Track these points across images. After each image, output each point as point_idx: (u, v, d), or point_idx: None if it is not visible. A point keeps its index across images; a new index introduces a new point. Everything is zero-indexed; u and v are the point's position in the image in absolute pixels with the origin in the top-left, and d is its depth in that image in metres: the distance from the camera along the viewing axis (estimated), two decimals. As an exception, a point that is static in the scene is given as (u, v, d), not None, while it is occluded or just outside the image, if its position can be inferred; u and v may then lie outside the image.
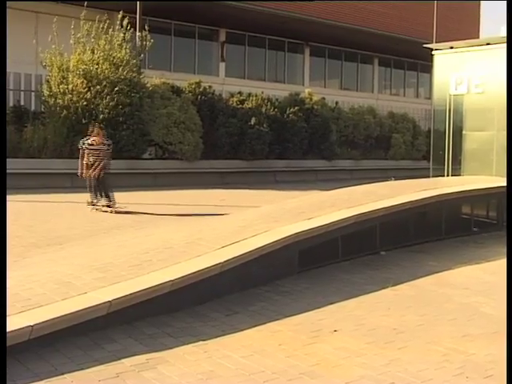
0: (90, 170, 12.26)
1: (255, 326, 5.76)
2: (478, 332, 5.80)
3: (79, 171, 12.50)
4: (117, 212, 12.13)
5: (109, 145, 12.53)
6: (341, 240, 8.60)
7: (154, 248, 7.39)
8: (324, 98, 27.38)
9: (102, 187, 12.37)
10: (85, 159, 12.39)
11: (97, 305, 5.32)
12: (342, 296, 6.86)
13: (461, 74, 15.13)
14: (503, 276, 8.21)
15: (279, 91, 28.29)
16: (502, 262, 9.00)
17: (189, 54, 30.37)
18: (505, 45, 14.32)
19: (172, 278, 6.03)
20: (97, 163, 12.24)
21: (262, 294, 6.85)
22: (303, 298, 6.81)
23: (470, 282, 7.82)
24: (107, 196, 12.37)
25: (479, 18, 38.83)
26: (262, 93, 25.10)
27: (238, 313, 6.17)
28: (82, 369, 4.58)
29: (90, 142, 12.32)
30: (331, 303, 6.57)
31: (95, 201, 12.50)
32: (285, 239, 7.50)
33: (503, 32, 17.78)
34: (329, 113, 26.93)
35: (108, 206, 12.26)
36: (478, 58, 14.97)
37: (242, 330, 5.63)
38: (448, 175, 15.12)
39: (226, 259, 6.68)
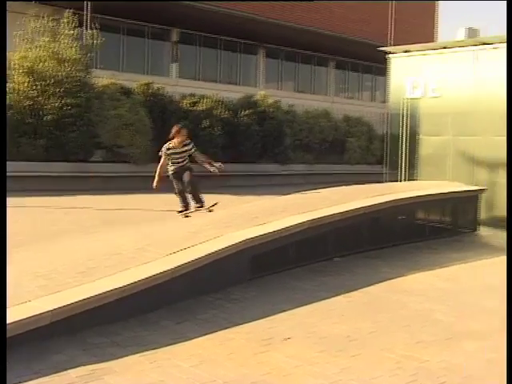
0: (185, 176, 11.32)
1: (206, 334, 5.77)
2: (432, 339, 5.90)
3: (154, 184, 11.43)
4: (210, 211, 11.27)
5: (192, 144, 11.55)
6: (294, 246, 8.66)
7: (102, 254, 7.33)
8: (279, 101, 27.51)
9: (193, 189, 11.49)
10: (163, 166, 11.50)
11: (39, 314, 5.24)
12: (294, 303, 6.90)
13: (416, 78, 15.30)
14: (456, 282, 8.42)
15: (233, 93, 28.34)
16: (456, 268, 9.23)
17: (140, 54, 30.24)
18: (461, 48, 14.61)
19: (121, 285, 6.00)
20: (185, 166, 11.45)
21: (214, 302, 6.86)
22: (255, 305, 6.84)
23: (424, 289, 7.95)
24: (197, 198, 11.57)
25: (436, 21, 39.49)
26: (217, 94, 25.10)
27: (188, 321, 6.16)
28: (21, 382, 4.50)
29: (169, 146, 11.37)
30: (283, 311, 6.61)
31: (184, 208, 11.60)
32: (236, 245, 7.52)
33: (460, 35, 18.11)
34: (283, 116, 27.05)
35: (200, 207, 11.49)
36: (434, 62, 15.15)
37: (193, 339, 5.63)
38: (403, 180, 15.31)
39: (176, 265, 6.67)
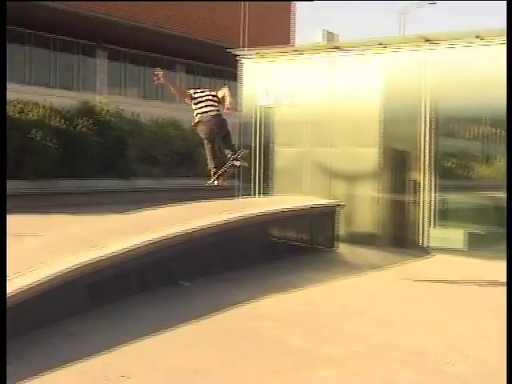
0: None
1: (29, 378, 5.52)
2: (287, 367, 5.97)
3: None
4: None
5: None
6: (136, 271, 8.52)
7: None
8: (123, 110, 27.17)
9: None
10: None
11: None
12: (137, 335, 6.76)
13: (269, 84, 15.40)
14: (313, 305, 8.60)
15: (69, 100, 27.70)
16: (311, 290, 9.43)
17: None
18: (318, 54, 14.93)
19: None
20: None
21: (42, 339, 6.59)
22: (90, 340, 6.65)
23: (278, 313, 8.06)
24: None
25: (293, 23, 40.43)
26: (50, 101, 24.50)
27: (9, 364, 5.87)
28: None
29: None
30: (123, 344, 6.46)
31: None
32: (67, 273, 7.26)
33: (317, 38, 18.59)
34: (127, 125, 26.78)
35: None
36: (289, 68, 15.34)
37: (13, 385, 5.38)
38: (257, 194, 15.44)
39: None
